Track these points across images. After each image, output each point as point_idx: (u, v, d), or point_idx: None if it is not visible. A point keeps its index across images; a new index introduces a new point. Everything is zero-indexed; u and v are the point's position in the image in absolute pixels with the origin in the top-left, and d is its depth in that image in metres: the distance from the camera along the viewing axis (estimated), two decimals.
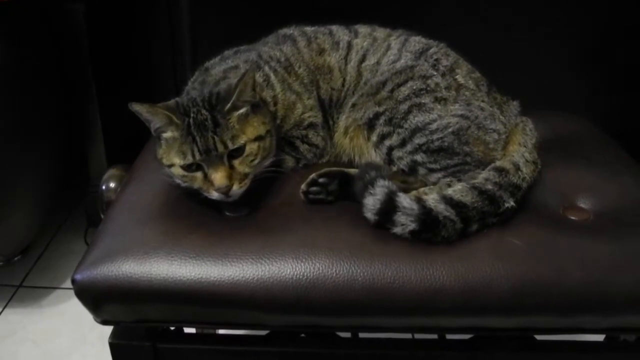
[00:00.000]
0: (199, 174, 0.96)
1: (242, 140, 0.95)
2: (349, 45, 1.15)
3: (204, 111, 0.96)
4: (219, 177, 0.94)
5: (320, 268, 0.88)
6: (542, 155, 1.08)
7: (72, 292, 0.91)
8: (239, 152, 0.96)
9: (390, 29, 1.19)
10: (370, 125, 1.05)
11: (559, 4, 1.51)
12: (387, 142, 1.03)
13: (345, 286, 0.87)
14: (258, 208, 0.99)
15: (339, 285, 0.87)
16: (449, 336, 1.07)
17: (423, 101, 1.04)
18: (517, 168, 0.99)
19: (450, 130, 1.01)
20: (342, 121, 1.11)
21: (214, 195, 0.95)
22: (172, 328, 1.03)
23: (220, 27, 1.47)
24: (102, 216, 1.08)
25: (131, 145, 1.25)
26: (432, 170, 1.01)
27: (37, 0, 1.47)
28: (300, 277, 0.88)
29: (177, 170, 0.97)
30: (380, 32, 1.18)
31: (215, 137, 0.94)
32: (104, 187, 1.16)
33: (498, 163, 1.00)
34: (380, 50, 1.13)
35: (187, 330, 1.05)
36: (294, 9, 1.43)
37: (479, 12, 1.50)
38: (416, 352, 1.02)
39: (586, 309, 0.90)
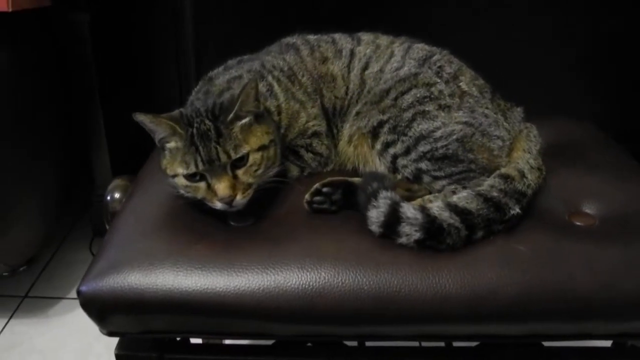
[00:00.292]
0: (202, 184, 0.96)
1: (244, 150, 0.95)
2: (352, 53, 1.15)
3: (207, 121, 0.96)
4: (222, 187, 0.94)
5: (326, 277, 0.88)
6: (547, 160, 1.08)
7: (78, 302, 0.91)
8: (242, 162, 0.96)
9: (393, 36, 1.19)
10: (375, 133, 1.05)
11: (561, 9, 1.51)
12: (392, 150, 1.03)
13: (352, 295, 0.87)
14: (263, 217, 0.99)
15: (345, 294, 0.87)
16: (455, 344, 1.07)
17: (427, 109, 1.04)
18: (522, 175, 0.99)
19: (454, 137, 1.01)
20: (346, 129, 1.11)
21: (218, 205, 0.95)
22: (179, 339, 1.03)
23: (224, 37, 1.48)
24: (107, 227, 1.08)
25: (136, 155, 1.26)
26: (436, 178, 1.01)
27: (41, 11, 1.47)
28: (306, 286, 0.87)
29: (180, 181, 0.97)
30: (383, 40, 1.18)
31: (218, 147, 0.94)
32: (108, 198, 1.16)
33: (503, 170, 1.00)
34: (384, 58, 1.13)
35: (194, 340, 1.05)
36: (297, 16, 1.44)
37: (482, 18, 1.51)
38: None
39: (593, 315, 0.90)
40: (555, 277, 0.89)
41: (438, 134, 1.02)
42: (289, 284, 0.88)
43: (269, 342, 1.00)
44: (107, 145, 1.74)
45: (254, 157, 0.97)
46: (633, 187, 1.07)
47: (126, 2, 1.69)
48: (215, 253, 0.92)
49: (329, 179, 1.01)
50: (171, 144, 0.98)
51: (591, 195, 1.03)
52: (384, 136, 1.04)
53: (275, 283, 0.88)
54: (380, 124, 1.05)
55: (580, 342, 0.97)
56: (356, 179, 1.01)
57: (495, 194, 0.95)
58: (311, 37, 1.19)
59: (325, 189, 0.99)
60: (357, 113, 1.10)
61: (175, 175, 0.98)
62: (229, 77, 1.09)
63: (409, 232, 0.89)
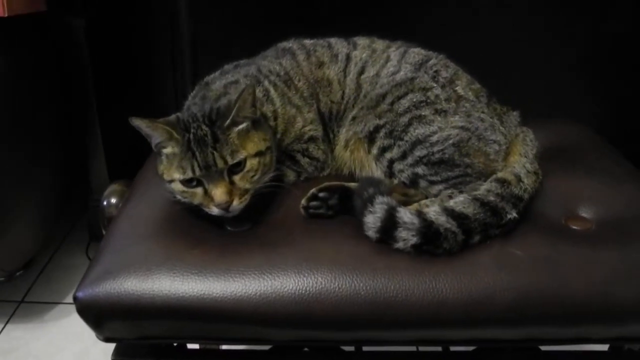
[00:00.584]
0: (199, 190, 0.96)
1: (241, 156, 0.95)
2: (348, 58, 1.15)
3: (204, 127, 0.96)
4: (219, 192, 0.94)
5: (323, 282, 0.88)
6: (543, 164, 1.08)
7: (74, 307, 0.90)
8: (239, 167, 0.96)
9: (390, 41, 1.19)
10: (371, 138, 1.05)
11: (561, 10, 1.52)
12: (388, 155, 1.03)
13: (348, 300, 0.87)
14: (259, 222, 0.99)
15: (342, 299, 0.87)
16: (453, 348, 1.07)
17: (423, 113, 1.04)
18: (519, 179, 0.99)
19: (450, 142, 1.02)
20: (343, 134, 1.11)
21: (214, 211, 0.95)
22: (175, 344, 1.02)
23: (220, 41, 1.48)
24: (104, 232, 1.08)
25: (132, 159, 1.25)
26: (433, 183, 1.01)
27: (38, 16, 1.47)
28: (303, 291, 0.87)
29: (177, 186, 0.97)
30: (379, 44, 1.18)
31: (214, 152, 0.94)
32: (105, 203, 1.16)
33: (500, 174, 1.00)
34: (380, 62, 1.14)
35: (190, 346, 1.05)
36: (293, 20, 1.44)
37: (481, 18, 1.51)
38: None
39: (590, 319, 0.90)
40: (552, 281, 0.89)
41: (434, 138, 1.02)
42: (286, 289, 0.87)
43: (266, 347, 1.00)
44: (104, 149, 1.74)
45: (251, 163, 0.97)
46: (629, 191, 1.07)
47: (122, 6, 1.69)
48: (212, 258, 0.91)
49: (326, 183, 1.01)
50: (168, 149, 0.98)
51: (588, 199, 1.04)
52: (380, 141, 1.04)
53: (272, 288, 0.88)
54: (377, 128, 1.05)
55: (577, 346, 0.97)
56: (352, 184, 1.01)
57: (491, 198, 0.95)
58: (307, 42, 1.19)
59: (321, 194, 0.99)
60: (354, 118, 1.10)
61: (172, 181, 0.97)
62: (225, 82, 1.09)
63: (406, 237, 0.89)
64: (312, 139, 1.11)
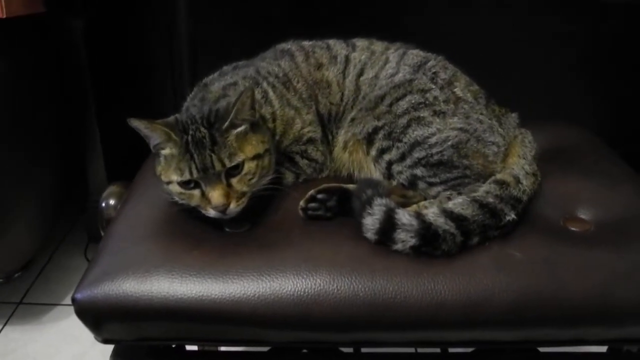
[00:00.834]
0: (196, 192, 0.96)
1: (239, 159, 0.95)
2: (347, 59, 1.15)
3: (202, 129, 0.96)
4: (216, 195, 0.94)
5: (322, 284, 0.88)
6: (542, 166, 1.08)
7: (72, 308, 0.90)
8: (236, 170, 0.96)
9: (388, 42, 1.19)
10: (370, 139, 1.05)
11: (561, 10, 1.52)
12: (387, 157, 1.03)
13: (347, 301, 0.87)
14: (258, 224, 0.99)
15: (340, 300, 0.87)
16: (451, 350, 1.07)
17: (422, 115, 1.04)
18: (518, 181, 0.99)
19: (449, 143, 1.02)
20: (341, 136, 1.11)
21: (211, 213, 0.95)
22: (174, 346, 1.02)
23: (219, 42, 1.48)
24: (102, 233, 1.08)
25: (131, 160, 1.25)
26: (431, 184, 1.01)
27: (36, 17, 1.47)
28: (302, 293, 0.87)
29: (175, 188, 0.97)
30: (378, 46, 1.18)
31: (212, 155, 0.94)
32: (103, 204, 1.16)
33: (498, 176, 1.00)
34: (379, 64, 1.14)
35: (189, 347, 1.05)
36: (291, 21, 1.44)
37: (477, 21, 1.51)
38: None
39: (588, 321, 0.90)
40: (551, 283, 0.89)
41: (433, 140, 1.02)
42: (285, 290, 0.87)
43: (265, 348, 0.99)
44: (103, 151, 1.74)
45: (249, 166, 0.97)
46: (627, 193, 1.07)
47: (120, 8, 1.69)
48: (211, 260, 0.91)
49: (324, 185, 1.01)
50: (166, 151, 0.98)
51: (586, 201, 1.04)
52: (379, 142, 1.04)
53: (271, 290, 0.87)
54: (375, 130, 1.05)
55: (575, 348, 0.97)
56: (351, 186, 1.01)
57: (490, 199, 0.95)
58: (306, 43, 1.19)
59: (320, 196, 0.99)
60: (352, 119, 1.10)
61: (169, 182, 0.97)
62: (224, 84, 1.09)
63: (405, 239, 0.89)
64: (310, 141, 1.11)
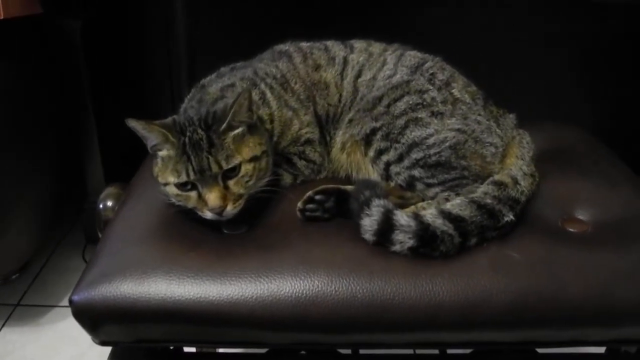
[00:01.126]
0: (193, 194, 0.96)
1: (236, 161, 0.95)
2: (345, 61, 1.15)
3: (199, 130, 0.95)
4: (212, 197, 0.94)
5: (320, 285, 0.88)
6: (540, 166, 1.08)
7: (70, 310, 0.90)
8: (233, 172, 0.96)
9: (386, 43, 1.19)
10: (367, 140, 1.05)
11: (561, 10, 1.52)
12: (385, 158, 1.03)
13: (345, 303, 0.87)
14: (256, 225, 0.99)
15: (338, 302, 0.87)
16: (450, 351, 1.07)
17: (419, 116, 1.04)
18: (516, 181, 0.99)
19: (447, 144, 1.02)
20: (339, 137, 1.11)
21: (208, 215, 0.95)
22: (172, 347, 1.02)
23: (216, 43, 1.48)
24: (100, 235, 1.08)
25: (129, 162, 1.25)
26: (429, 185, 1.01)
27: (34, 18, 1.47)
28: (300, 294, 0.87)
29: (171, 189, 0.97)
30: (376, 47, 1.18)
31: (209, 157, 0.94)
32: (101, 206, 1.16)
33: (496, 177, 1.00)
34: (376, 66, 1.14)
35: (187, 349, 1.05)
36: (289, 22, 1.44)
37: (477, 21, 1.51)
38: None
39: (587, 322, 0.90)
40: (549, 283, 0.89)
41: (431, 141, 1.02)
42: (283, 292, 0.87)
43: (263, 350, 0.99)
44: (100, 152, 1.74)
45: (246, 168, 0.96)
46: (625, 193, 1.07)
47: (118, 9, 1.69)
48: (209, 261, 0.91)
49: (322, 186, 1.01)
50: (163, 152, 0.98)
51: (584, 202, 1.04)
52: (377, 143, 1.04)
53: (269, 291, 0.87)
54: (373, 131, 1.05)
55: (573, 348, 0.97)
56: (349, 187, 1.01)
57: (488, 200, 0.95)
58: (304, 45, 1.19)
59: (318, 197, 0.99)
60: (350, 120, 1.10)
61: (166, 184, 0.97)
62: (222, 85, 1.08)
63: (403, 240, 0.89)
64: (308, 142, 1.11)
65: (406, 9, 1.48)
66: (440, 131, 1.03)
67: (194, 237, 0.96)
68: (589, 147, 1.24)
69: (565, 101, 1.61)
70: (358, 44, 1.18)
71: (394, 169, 1.03)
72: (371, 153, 1.05)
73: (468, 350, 1.00)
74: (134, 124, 0.96)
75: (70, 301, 0.89)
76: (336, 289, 0.87)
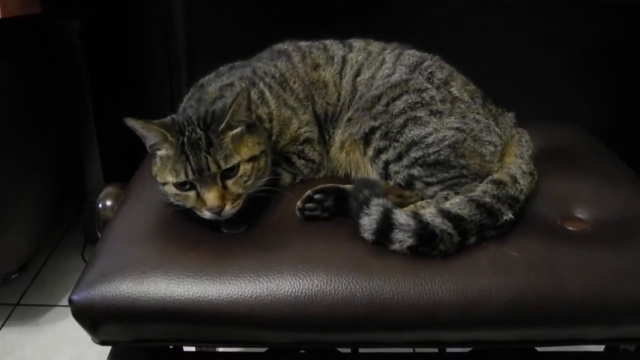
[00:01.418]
0: (191, 193, 0.96)
1: (235, 161, 0.95)
2: (344, 60, 1.15)
3: (198, 130, 0.95)
4: (211, 197, 0.94)
5: (319, 284, 0.88)
6: (539, 165, 1.08)
7: (70, 309, 0.90)
8: (232, 172, 0.96)
9: (385, 42, 1.19)
10: (366, 139, 1.05)
11: (557, 12, 1.52)
12: (384, 157, 1.03)
13: (344, 302, 0.87)
14: (255, 225, 0.99)
15: (338, 301, 0.87)
16: (449, 349, 1.07)
17: (418, 115, 1.04)
18: (515, 180, 0.99)
19: (446, 143, 1.02)
20: (338, 136, 1.11)
21: (207, 214, 0.95)
22: (171, 347, 1.02)
23: (215, 42, 1.47)
24: (99, 234, 1.08)
25: (128, 162, 1.25)
26: (428, 184, 1.01)
27: (32, 18, 1.47)
28: (299, 293, 0.87)
29: (170, 189, 0.97)
30: (375, 46, 1.18)
31: (208, 156, 0.94)
32: (100, 206, 1.16)
33: (496, 175, 1.00)
34: (375, 65, 1.14)
35: (186, 348, 1.05)
36: (289, 20, 1.44)
37: (477, 20, 1.51)
38: None
39: (586, 320, 0.90)
40: (548, 282, 0.89)
41: (430, 139, 1.02)
42: (282, 291, 0.87)
43: (262, 349, 0.99)
44: (99, 152, 1.74)
45: (245, 168, 0.96)
46: (625, 192, 1.07)
47: (117, 9, 1.69)
48: (208, 261, 0.91)
49: (321, 185, 1.01)
50: (162, 152, 0.98)
51: (583, 200, 1.04)
52: (376, 142, 1.04)
53: (268, 290, 0.87)
54: (372, 130, 1.05)
55: (573, 347, 0.97)
56: (348, 186, 1.01)
57: (487, 199, 0.95)
58: (302, 44, 1.19)
59: (317, 196, 0.99)
60: (349, 119, 1.10)
61: (165, 183, 0.97)
62: (221, 85, 1.08)
63: (402, 239, 0.89)
64: (307, 141, 1.11)
65: (406, 9, 1.47)
66: (439, 130, 1.03)
67: (193, 236, 0.96)
68: (588, 146, 1.24)
69: (565, 100, 1.61)
70: (357, 43, 1.18)
71: (393, 167, 1.03)
72: (370, 152, 1.05)
73: (467, 349, 1.00)
74: (132, 123, 0.95)
75: (70, 301, 0.89)
76: (335, 288, 0.87)
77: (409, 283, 0.88)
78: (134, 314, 0.88)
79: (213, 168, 0.94)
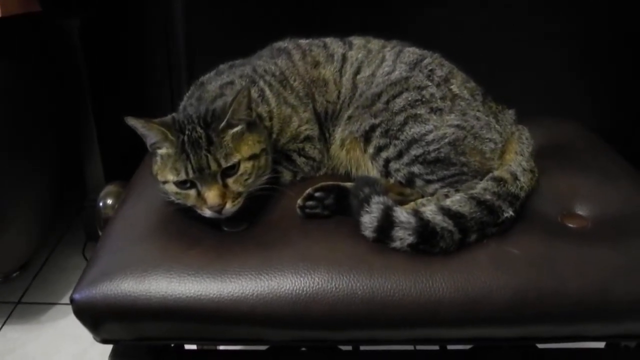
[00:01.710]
0: (192, 192, 0.96)
1: (235, 159, 0.95)
2: (344, 58, 1.15)
3: (199, 129, 0.95)
4: (211, 195, 0.94)
5: (320, 282, 0.88)
6: (539, 162, 1.08)
7: (71, 308, 0.90)
8: (232, 170, 0.96)
9: (385, 40, 1.19)
10: (367, 137, 1.05)
11: (561, 10, 1.52)
12: (384, 154, 1.03)
13: (345, 300, 0.87)
14: (256, 223, 0.99)
15: (338, 299, 0.87)
16: (450, 346, 1.07)
17: (419, 112, 1.04)
18: (515, 177, 0.99)
19: (446, 140, 1.02)
20: (339, 134, 1.11)
21: (207, 213, 0.95)
22: (173, 345, 1.02)
23: (215, 40, 1.47)
24: (100, 233, 1.08)
25: (128, 160, 1.25)
26: (429, 182, 1.01)
27: (32, 17, 1.47)
28: (300, 291, 0.87)
29: (171, 187, 0.97)
30: (375, 44, 1.18)
31: (208, 155, 0.94)
32: (101, 204, 1.16)
33: (496, 173, 1.00)
34: (375, 62, 1.14)
35: (188, 346, 1.05)
36: (289, 19, 1.44)
37: (476, 20, 1.51)
38: None
39: (587, 317, 0.90)
40: (549, 279, 0.89)
41: (430, 137, 1.02)
42: (283, 289, 0.87)
43: (263, 347, 1.00)
44: (100, 150, 1.74)
45: (245, 166, 0.96)
46: (625, 189, 1.07)
47: (117, 7, 1.69)
48: (209, 259, 0.91)
49: (322, 183, 1.01)
50: (162, 150, 0.98)
51: (583, 197, 1.04)
52: (376, 140, 1.04)
53: (269, 288, 0.87)
54: (372, 128, 1.05)
55: (573, 344, 0.97)
56: (348, 184, 1.01)
57: (488, 197, 0.95)
58: (303, 42, 1.19)
59: (317, 194, 0.99)
60: (349, 117, 1.10)
61: (165, 182, 0.97)
62: (221, 83, 1.08)
63: (403, 236, 0.89)
64: (308, 139, 1.11)
65: (406, 9, 1.47)
66: (440, 127, 1.03)
67: (193, 235, 0.97)
68: (588, 143, 1.24)
69: (565, 97, 1.61)
70: (357, 41, 1.18)
71: (393, 165, 1.03)
72: (370, 150, 1.05)
73: (468, 346, 1.00)
74: (133, 122, 0.96)
75: (71, 300, 0.90)
76: (336, 285, 0.87)
77: (410, 281, 0.88)
78: (136, 312, 0.88)
79: (213, 166, 0.94)
